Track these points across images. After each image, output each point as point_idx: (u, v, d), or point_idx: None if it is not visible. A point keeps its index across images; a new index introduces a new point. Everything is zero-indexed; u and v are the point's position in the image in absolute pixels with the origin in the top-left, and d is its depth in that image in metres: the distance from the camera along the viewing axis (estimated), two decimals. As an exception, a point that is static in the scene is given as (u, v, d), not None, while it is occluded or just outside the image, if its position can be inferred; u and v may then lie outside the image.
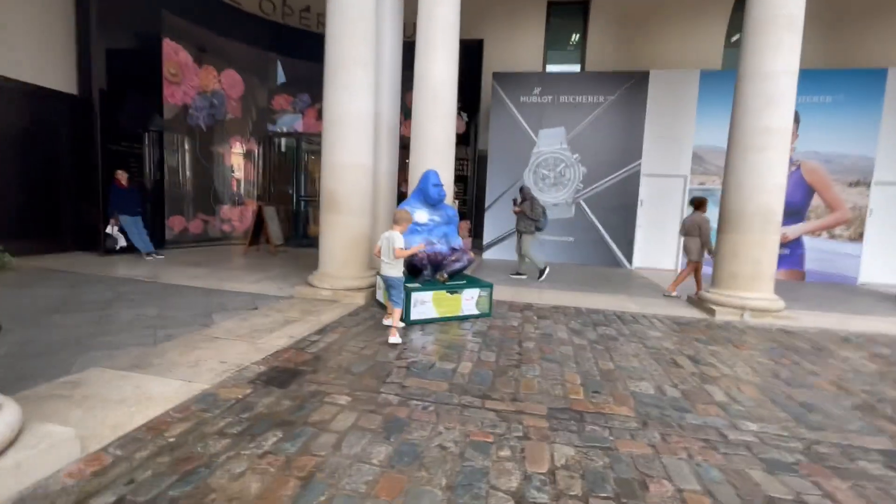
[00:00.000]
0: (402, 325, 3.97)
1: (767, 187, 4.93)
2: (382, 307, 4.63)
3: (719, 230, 5.34)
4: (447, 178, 5.60)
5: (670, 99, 8.47)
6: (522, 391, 2.74)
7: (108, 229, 6.61)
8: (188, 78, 8.89)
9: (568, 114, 8.90)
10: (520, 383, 2.86)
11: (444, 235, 4.58)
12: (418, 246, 3.96)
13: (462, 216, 10.56)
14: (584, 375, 3.05)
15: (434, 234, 4.52)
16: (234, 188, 9.89)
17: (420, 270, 4.46)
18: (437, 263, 4.53)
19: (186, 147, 8.92)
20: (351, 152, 4.85)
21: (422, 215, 4.54)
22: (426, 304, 4.14)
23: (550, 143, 8.99)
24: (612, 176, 8.78)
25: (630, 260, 8.78)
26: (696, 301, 5.46)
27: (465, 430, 2.22)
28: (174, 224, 8.72)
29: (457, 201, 6.41)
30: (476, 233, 10.46)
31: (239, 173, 9.92)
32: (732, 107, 5.25)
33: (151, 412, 2.21)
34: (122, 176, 6.62)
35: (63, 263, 6.09)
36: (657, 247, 8.80)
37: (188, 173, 8.99)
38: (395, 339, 3.52)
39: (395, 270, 3.71)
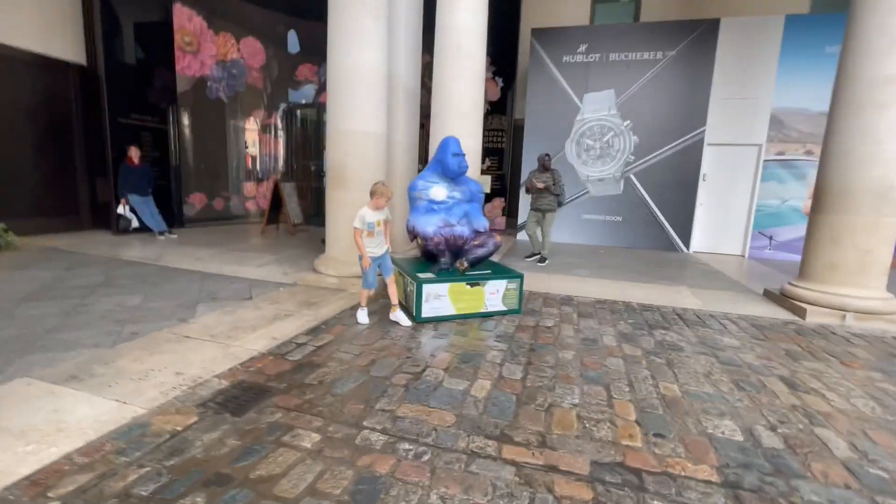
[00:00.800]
0: (406, 320, 3.35)
1: (886, 156, 3.80)
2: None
3: (813, 210, 4.26)
4: (473, 147, 4.80)
5: (745, 52, 7.13)
6: (555, 431, 2.01)
7: (120, 209, 6.32)
8: (205, 47, 8.42)
9: (618, 74, 7.74)
10: (552, 417, 2.13)
11: (466, 215, 3.83)
12: (364, 260, 3.29)
13: (496, 193, 9.73)
14: (640, 406, 2.27)
15: (453, 213, 3.77)
16: (258, 164, 9.48)
17: (437, 257, 3.76)
18: (456, 249, 3.80)
19: (206, 120, 8.52)
20: (359, 117, 4.14)
21: (439, 191, 3.80)
22: (441, 298, 3.44)
23: (597, 108, 7.89)
24: (670, 146, 7.60)
25: (687, 243, 7.67)
26: (778, 296, 4.45)
27: (468, 501, 1.53)
28: (195, 201, 8.44)
29: (487, 177, 5.60)
30: (510, 211, 9.60)
31: (261, 148, 9.48)
32: (842, 52, 4.07)
33: (53, 452, 1.66)
34: (133, 153, 6.26)
35: (72, 243, 5.85)
36: (720, 228, 7.63)
37: (209, 148, 8.62)
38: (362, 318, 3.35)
39: (376, 248, 3.32)
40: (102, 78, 6.24)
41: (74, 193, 6.64)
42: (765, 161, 7.20)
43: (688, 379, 2.63)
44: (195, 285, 4.17)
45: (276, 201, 7.44)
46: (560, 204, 5.99)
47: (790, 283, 4.38)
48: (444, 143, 3.81)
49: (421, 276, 3.46)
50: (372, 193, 3.24)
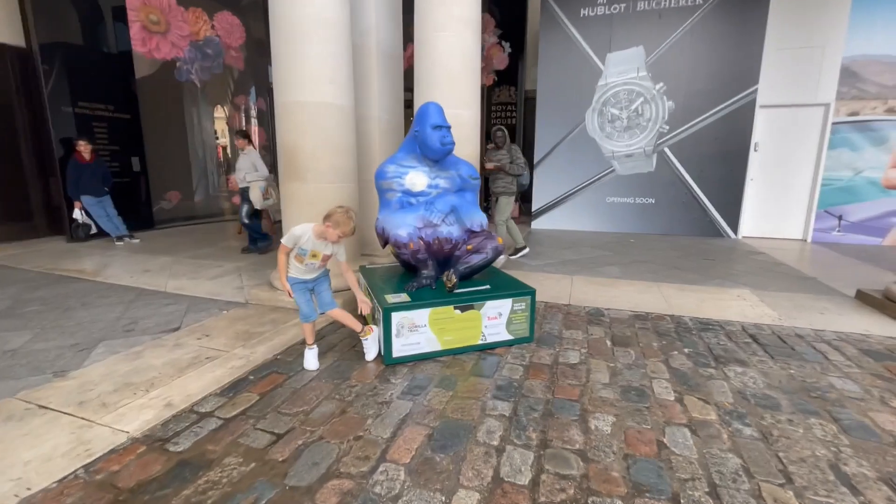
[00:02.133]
0: (373, 350, 2.41)
1: None
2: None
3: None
4: (468, 119, 3.75)
5: (809, -11, 5.78)
6: None
7: (76, 214, 5.51)
8: (175, 25, 7.49)
9: (648, 28, 6.48)
10: None
11: (454, 210, 2.81)
12: (284, 285, 2.34)
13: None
14: (745, 557, 1.26)
15: (437, 208, 2.76)
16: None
17: (417, 268, 2.77)
18: (443, 257, 2.81)
19: (177, 107, 7.63)
20: (313, 84, 3.14)
21: (418, 178, 2.79)
22: (420, 330, 2.46)
23: (623, 70, 6.66)
24: (713, 111, 6.35)
25: (735, 227, 6.46)
26: (881, 302, 3.31)
27: None
28: (171, 199, 7.62)
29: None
30: (523, 197, 8.49)
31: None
32: None
33: None
34: (83, 148, 5.41)
35: (13, 255, 5.08)
36: (777, 208, 6.38)
37: (182, 139, 7.75)
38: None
39: (305, 272, 2.39)
40: (37, 59, 5.37)
41: (25, 196, 5.87)
42: (833, 124, 5.89)
43: (805, 473, 1.59)
44: (117, 310, 3.29)
45: (253, 196, 6.53)
46: (523, 186, 4.92)
47: (899, 284, 3.23)
48: (422, 112, 2.78)
49: (390, 298, 2.48)
50: (326, 217, 2.25)
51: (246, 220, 5.18)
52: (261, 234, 5.32)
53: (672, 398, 2.11)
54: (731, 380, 2.28)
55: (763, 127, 6.23)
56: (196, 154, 7.99)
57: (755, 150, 6.28)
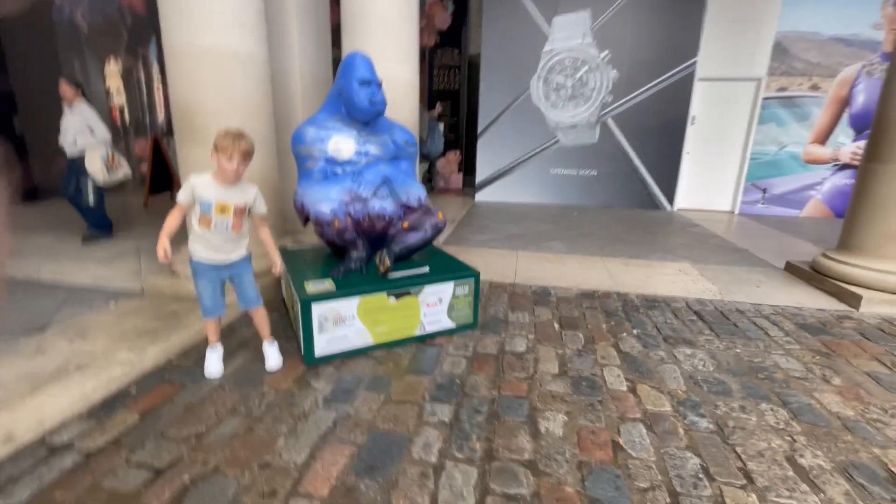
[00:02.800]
0: (274, 358, 2.04)
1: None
2: (287, 315, 2.64)
3: (868, 157, 3.14)
4: (406, 79, 3.33)
5: (748, -40, 5.78)
6: None
7: None
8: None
9: (595, -9, 6.24)
10: None
11: (387, 181, 2.43)
12: (164, 257, 1.79)
13: (450, 145, 8.25)
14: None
15: (366, 178, 2.37)
16: (146, 114, 7.43)
17: (345, 249, 2.39)
18: (375, 236, 2.44)
19: (55, 58, 6.39)
20: (210, 25, 2.55)
21: (344, 143, 2.36)
22: (348, 322, 2.11)
23: (569, 35, 6.41)
24: (655, 82, 6.32)
25: (671, 199, 6.60)
26: (808, 273, 3.42)
27: None
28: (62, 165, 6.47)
29: (439, 123, 4.15)
30: (468, 167, 8.20)
31: (134, 94, 7.30)
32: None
33: None
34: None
35: None
36: (709, 181, 6.57)
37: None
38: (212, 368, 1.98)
39: (217, 249, 1.89)
40: None
41: None
42: (763, 99, 6.07)
43: (764, 470, 1.48)
44: (-35, 307, 2.63)
45: (159, 163, 5.67)
46: (427, 157, 4.69)
47: (826, 256, 3.33)
48: (347, 64, 2.34)
49: (311, 287, 2.10)
50: (214, 148, 1.78)
51: (90, 201, 3.89)
52: (104, 215, 4.11)
53: (625, 388, 1.95)
54: (682, 363, 2.18)
55: (700, 100, 6.30)
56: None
57: (692, 124, 6.37)
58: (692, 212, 6.54)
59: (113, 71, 6.93)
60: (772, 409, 1.82)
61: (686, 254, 4.18)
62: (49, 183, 6.24)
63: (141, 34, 7.38)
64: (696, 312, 2.82)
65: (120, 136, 7.24)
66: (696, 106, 6.32)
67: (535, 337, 2.43)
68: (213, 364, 1.98)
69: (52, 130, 5.64)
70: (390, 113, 2.65)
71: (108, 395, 1.80)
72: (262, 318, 2.06)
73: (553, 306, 2.87)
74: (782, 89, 6.02)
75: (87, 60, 6.70)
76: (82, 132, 3.74)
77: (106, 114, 7.07)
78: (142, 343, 2.23)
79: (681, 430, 1.68)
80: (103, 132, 3.83)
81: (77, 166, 3.81)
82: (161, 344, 2.23)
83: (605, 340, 2.41)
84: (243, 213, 1.87)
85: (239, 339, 2.31)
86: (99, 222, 4.05)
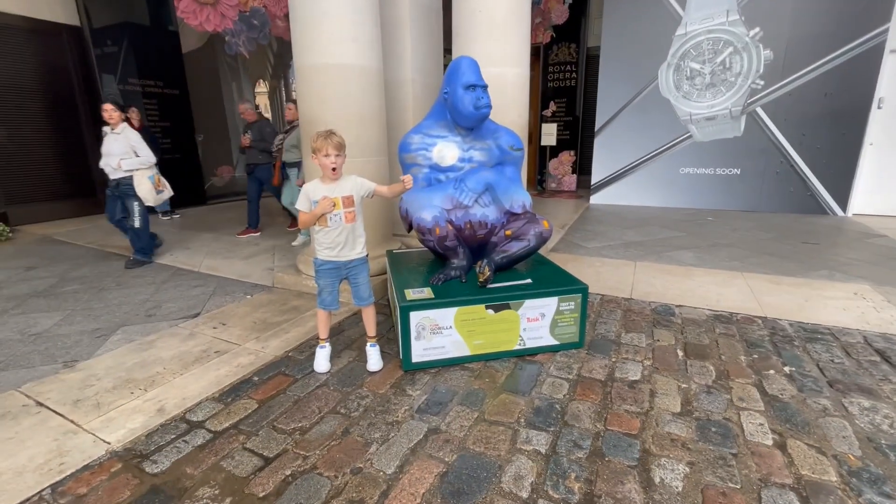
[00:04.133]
0: (376, 362, 2.08)
1: None
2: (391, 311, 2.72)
3: None
4: (513, 78, 3.21)
5: None
6: None
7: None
8: (222, -5, 7.38)
9: (744, -40, 5.35)
10: None
11: (490, 188, 2.35)
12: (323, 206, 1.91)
13: (564, 145, 7.87)
14: None
15: (468, 186, 2.32)
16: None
17: (447, 257, 2.38)
18: (477, 244, 2.38)
19: (226, 81, 7.61)
20: (331, 43, 2.75)
21: (448, 150, 2.35)
22: (445, 332, 2.08)
23: (708, 14, 5.61)
24: (824, 60, 5.19)
25: (844, 202, 5.37)
26: None
27: None
28: (224, 174, 7.73)
29: (552, 125, 3.88)
30: (583, 168, 7.73)
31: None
32: None
33: None
34: (133, 115, 5.42)
35: (73, 230, 5.32)
36: (902, 179, 5.19)
37: (231, 114, 7.76)
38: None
39: (335, 247, 2.03)
40: (88, 38, 5.44)
41: (87, 172, 6.12)
42: None
43: None
44: (147, 291, 3.23)
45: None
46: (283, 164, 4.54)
47: None
48: (453, 69, 2.31)
49: (410, 294, 2.11)
50: (312, 152, 1.95)
51: (137, 223, 3.80)
52: (151, 236, 4.08)
53: (770, 442, 1.58)
54: (856, 418, 1.70)
55: (892, 77, 5.00)
56: (239, 130, 8.02)
57: (879, 107, 5.08)
58: (874, 218, 5.23)
59: (261, 91, 8.05)
60: None
61: (865, 272, 3.33)
62: (213, 190, 7.48)
63: (284, 59, 8.43)
64: (878, 351, 2.20)
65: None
66: (885, 85, 5.03)
67: (652, 364, 2.13)
68: (321, 361, 2.12)
69: (216, 145, 6.67)
70: (497, 117, 2.57)
71: (235, 380, 2.03)
72: (370, 317, 2.15)
73: (677, 329, 2.50)
74: None
75: (243, 84, 7.88)
76: (127, 155, 3.65)
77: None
78: (267, 335, 2.49)
79: (853, 513, 1.29)
80: (149, 154, 3.77)
81: (124, 190, 3.72)
82: (282, 336, 2.47)
83: (743, 377, 2.00)
84: (352, 202, 1.97)
85: (345, 339, 2.44)
86: (145, 245, 3.96)
